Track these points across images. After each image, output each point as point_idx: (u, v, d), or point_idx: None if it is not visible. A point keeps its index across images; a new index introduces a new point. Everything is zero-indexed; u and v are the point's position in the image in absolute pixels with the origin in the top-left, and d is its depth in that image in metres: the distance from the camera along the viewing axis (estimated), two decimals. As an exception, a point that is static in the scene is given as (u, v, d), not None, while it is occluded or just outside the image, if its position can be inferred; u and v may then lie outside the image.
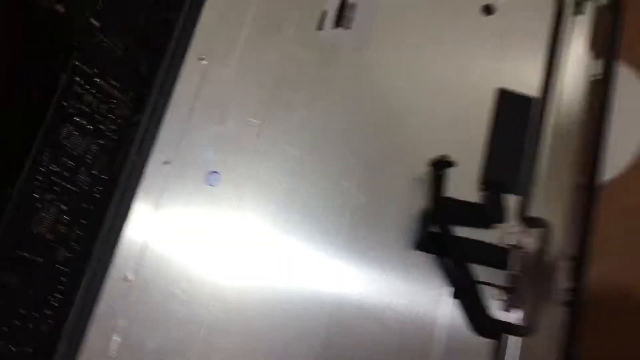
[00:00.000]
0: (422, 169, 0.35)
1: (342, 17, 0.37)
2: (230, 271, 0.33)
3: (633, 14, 0.40)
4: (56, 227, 0.31)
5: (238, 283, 0.32)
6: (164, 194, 0.32)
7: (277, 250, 0.33)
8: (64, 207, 0.32)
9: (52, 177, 0.31)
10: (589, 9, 0.39)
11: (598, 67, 0.38)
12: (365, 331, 0.33)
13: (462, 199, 0.35)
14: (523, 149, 0.36)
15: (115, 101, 0.33)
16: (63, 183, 0.32)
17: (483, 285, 0.34)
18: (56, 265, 0.32)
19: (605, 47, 0.39)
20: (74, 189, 0.32)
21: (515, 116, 0.37)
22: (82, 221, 0.32)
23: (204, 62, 0.34)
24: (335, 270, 0.34)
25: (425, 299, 0.34)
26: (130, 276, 0.31)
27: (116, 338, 0.31)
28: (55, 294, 0.32)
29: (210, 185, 0.33)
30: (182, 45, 0.34)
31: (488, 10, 0.38)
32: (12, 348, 0.31)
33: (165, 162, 0.33)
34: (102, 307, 0.31)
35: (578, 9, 0.39)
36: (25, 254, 0.31)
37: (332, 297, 0.33)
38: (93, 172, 0.33)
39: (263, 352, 0.32)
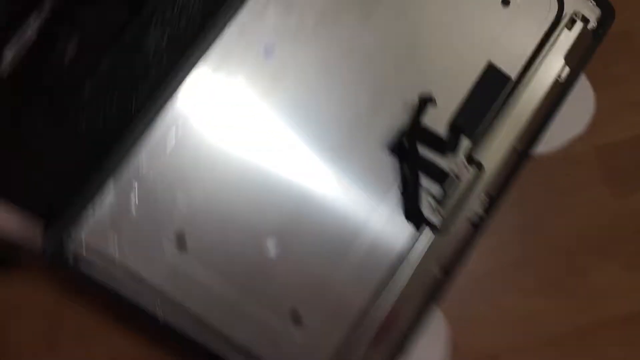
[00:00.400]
0: (414, 98, 0.49)
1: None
2: (244, 136, 0.46)
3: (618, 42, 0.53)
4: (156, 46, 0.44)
5: (243, 146, 0.46)
6: (233, 55, 0.45)
7: (283, 132, 0.46)
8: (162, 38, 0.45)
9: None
10: (578, 27, 0.51)
11: (566, 72, 0.51)
12: (319, 224, 0.47)
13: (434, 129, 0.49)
14: (488, 109, 0.49)
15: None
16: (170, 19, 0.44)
17: (422, 188, 0.48)
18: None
19: (579, 61, 0.51)
20: (175, 24, 0.44)
21: (492, 85, 0.50)
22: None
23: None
24: (317, 166, 0.47)
25: (375, 198, 0.48)
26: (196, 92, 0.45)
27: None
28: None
29: (266, 59, 0.46)
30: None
31: (505, 3, 0.50)
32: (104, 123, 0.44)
33: (242, 27, 0.45)
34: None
35: (570, 25, 0.51)
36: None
37: (302, 188, 0.47)
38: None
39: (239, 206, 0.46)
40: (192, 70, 0.45)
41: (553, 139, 0.54)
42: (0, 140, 0.39)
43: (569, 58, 0.51)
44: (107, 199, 0.43)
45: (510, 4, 0.51)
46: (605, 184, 0.58)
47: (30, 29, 0.35)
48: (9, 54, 0.34)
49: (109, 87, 0.42)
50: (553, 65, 0.51)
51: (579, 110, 0.56)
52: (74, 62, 0.38)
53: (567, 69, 0.51)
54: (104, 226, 0.43)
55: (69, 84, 0.39)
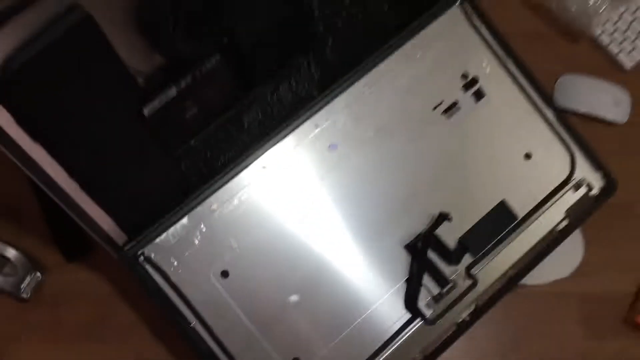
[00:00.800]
0: (436, 212, 0.60)
1: (449, 110, 0.61)
2: (293, 207, 0.58)
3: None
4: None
5: (290, 216, 0.57)
6: (305, 143, 0.58)
7: (325, 212, 0.58)
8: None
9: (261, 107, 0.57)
10: (582, 191, 0.63)
11: (564, 225, 0.62)
12: (334, 294, 0.58)
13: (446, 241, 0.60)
14: (493, 238, 0.60)
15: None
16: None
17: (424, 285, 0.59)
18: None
19: (577, 218, 0.62)
20: (269, 110, 0.57)
21: (500, 219, 0.61)
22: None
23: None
24: (345, 247, 0.58)
25: (384, 284, 0.59)
26: (266, 166, 0.57)
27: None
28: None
29: (329, 152, 0.59)
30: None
31: (528, 157, 0.62)
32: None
33: (316, 125, 0.58)
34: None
35: (576, 188, 0.62)
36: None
37: (329, 261, 0.58)
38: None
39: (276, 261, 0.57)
40: (270, 147, 0.58)
41: (541, 275, 0.64)
42: (115, 161, 0.51)
43: (569, 214, 0.62)
44: (179, 230, 0.55)
45: (531, 158, 0.62)
46: (580, 325, 0.67)
47: (173, 90, 0.48)
48: (158, 102, 0.47)
49: (209, 143, 0.55)
50: (554, 216, 0.62)
51: (568, 258, 0.66)
52: (190, 119, 0.51)
53: (565, 222, 0.62)
54: (170, 250, 0.55)
55: (183, 133, 0.52)
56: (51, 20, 0.38)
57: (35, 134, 0.43)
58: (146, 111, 0.47)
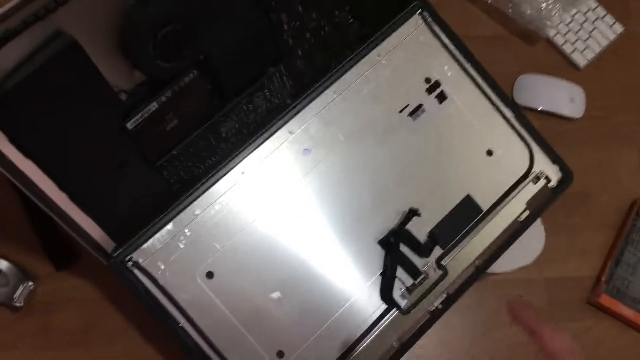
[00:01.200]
0: (406, 208, 0.64)
1: (414, 113, 0.65)
2: (272, 209, 0.61)
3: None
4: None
5: (269, 218, 0.61)
6: (280, 149, 0.62)
7: (302, 212, 0.62)
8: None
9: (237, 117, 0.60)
10: (541, 184, 0.67)
11: (525, 215, 0.66)
12: (315, 289, 0.62)
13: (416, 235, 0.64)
14: (460, 230, 0.64)
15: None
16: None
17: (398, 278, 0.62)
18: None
19: (537, 208, 0.67)
20: (245, 119, 0.61)
21: (466, 212, 0.65)
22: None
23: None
24: (323, 244, 0.62)
25: (361, 278, 0.63)
26: (245, 172, 0.61)
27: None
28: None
29: (303, 156, 0.62)
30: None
31: (490, 153, 0.66)
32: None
33: (290, 131, 0.62)
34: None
35: (535, 180, 0.67)
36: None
37: (309, 258, 0.61)
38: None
39: (258, 261, 0.61)
40: (248, 154, 0.61)
41: (507, 263, 0.69)
42: (103, 173, 0.55)
43: (530, 205, 0.66)
44: (164, 236, 0.59)
45: (493, 155, 0.67)
46: (546, 308, 0.72)
47: (153, 105, 0.51)
48: (140, 116, 0.50)
49: (190, 152, 0.58)
50: (516, 208, 0.66)
51: (530, 247, 0.71)
52: (171, 130, 0.54)
53: (526, 213, 0.66)
54: (157, 254, 0.59)
55: (165, 144, 0.56)
56: (39, 47, 0.42)
57: (26, 151, 0.46)
58: (129, 125, 0.50)
